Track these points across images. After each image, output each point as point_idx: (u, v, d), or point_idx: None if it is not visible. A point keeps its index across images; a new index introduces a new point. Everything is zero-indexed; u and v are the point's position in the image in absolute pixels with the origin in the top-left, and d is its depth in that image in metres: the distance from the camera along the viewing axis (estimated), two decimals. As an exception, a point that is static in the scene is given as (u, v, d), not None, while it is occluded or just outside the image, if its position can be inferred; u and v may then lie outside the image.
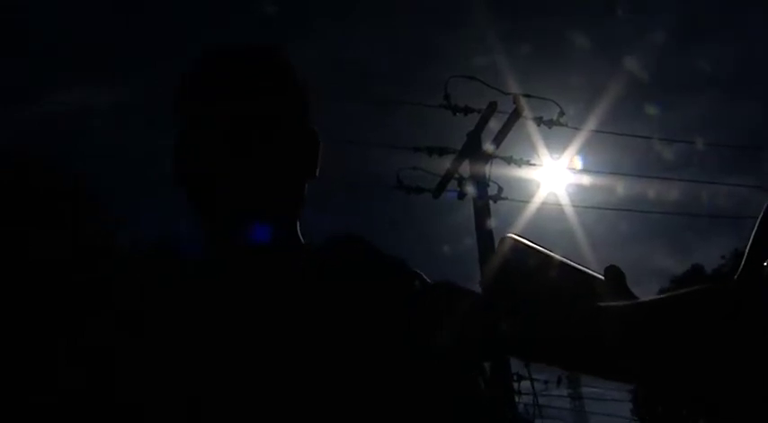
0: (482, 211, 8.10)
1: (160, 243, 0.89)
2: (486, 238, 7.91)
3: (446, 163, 8.55)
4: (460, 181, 8.54)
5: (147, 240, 0.94)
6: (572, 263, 0.79)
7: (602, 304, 0.73)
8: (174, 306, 0.78)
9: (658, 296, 0.74)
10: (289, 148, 0.84)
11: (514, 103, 8.11)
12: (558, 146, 8.59)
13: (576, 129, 8.41)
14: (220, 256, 0.85)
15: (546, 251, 0.79)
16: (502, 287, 0.80)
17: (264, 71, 0.86)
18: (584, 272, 0.79)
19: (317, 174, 0.90)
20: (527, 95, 8.23)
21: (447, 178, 8.57)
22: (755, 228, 0.68)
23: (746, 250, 0.68)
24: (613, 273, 0.76)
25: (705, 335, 0.68)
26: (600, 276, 0.77)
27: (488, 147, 8.31)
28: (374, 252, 0.89)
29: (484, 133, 8.37)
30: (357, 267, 0.85)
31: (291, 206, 0.87)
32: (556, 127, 8.33)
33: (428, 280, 0.88)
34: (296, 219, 0.88)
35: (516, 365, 7.56)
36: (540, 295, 0.76)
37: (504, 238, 0.82)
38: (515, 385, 9.33)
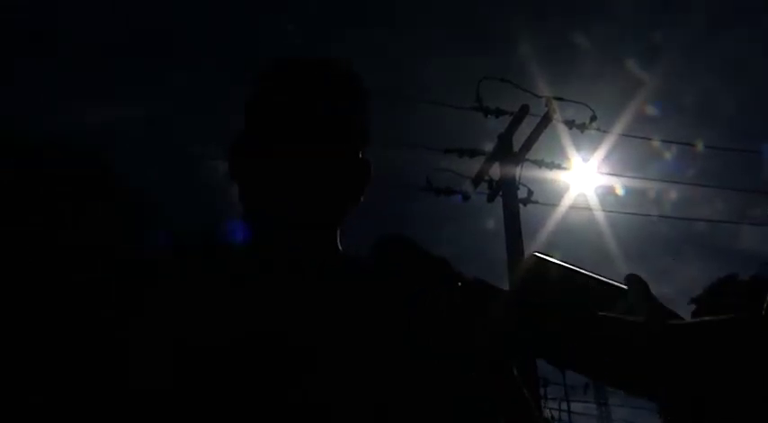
0: (512, 214, 8.05)
1: (203, 239, 0.93)
2: (515, 242, 7.87)
3: (475, 165, 8.52)
4: (490, 183, 8.49)
5: (189, 238, 0.98)
6: (598, 276, 0.80)
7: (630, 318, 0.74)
8: (213, 302, 0.81)
9: (691, 320, 0.75)
10: (346, 178, 0.89)
11: (546, 106, 8.04)
12: (589, 148, 8.50)
13: (608, 132, 8.32)
14: (259, 258, 0.88)
15: (571, 267, 0.80)
16: (531, 294, 0.81)
17: (348, 104, 0.89)
18: (611, 285, 0.80)
19: (362, 199, 0.94)
20: (559, 98, 8.16)
21: (477, 180, 8.54)
22: None
23: None
24: (635, 281, 0.78)
25: (732, 362, 0.69)
26: (625, 287, 0.79)
27: (519, 150, 8.26)
28: (414, 252, 0.90)
29: (514, 136, 8.32)
30: (390, 269, 0.87)
31: (336, 224, 0.92)
32: (587, 130, 8.24)
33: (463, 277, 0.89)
34: (336, 230, 0.93)
35: (543, 370, 7.52)
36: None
37: (529, 257, 0.83)
38: (542, 391, 9.27)
